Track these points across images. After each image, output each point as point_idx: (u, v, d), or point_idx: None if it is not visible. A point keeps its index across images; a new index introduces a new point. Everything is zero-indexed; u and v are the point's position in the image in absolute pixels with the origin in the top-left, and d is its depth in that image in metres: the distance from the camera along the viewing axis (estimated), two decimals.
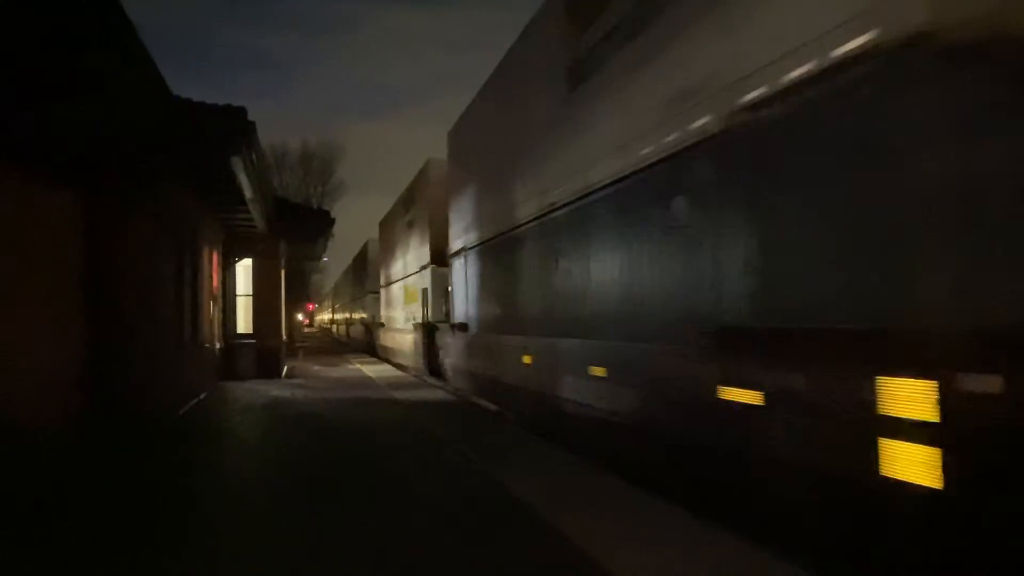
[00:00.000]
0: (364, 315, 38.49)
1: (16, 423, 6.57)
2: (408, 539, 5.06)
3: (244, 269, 18.73)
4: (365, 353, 32.82)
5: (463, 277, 14.53)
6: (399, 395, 14.22)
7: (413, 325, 21.18)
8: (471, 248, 13.80)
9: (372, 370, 21.56)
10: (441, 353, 17.35)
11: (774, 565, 4.27)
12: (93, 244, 9.00)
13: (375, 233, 34.46)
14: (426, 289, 19.43)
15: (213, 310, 15.75)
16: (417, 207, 21.11)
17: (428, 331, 18.93)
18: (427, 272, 19.19)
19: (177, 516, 5.79)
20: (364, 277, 37.37)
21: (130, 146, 8.46)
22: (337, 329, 59.87)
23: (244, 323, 18.77)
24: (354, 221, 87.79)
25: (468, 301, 14.15)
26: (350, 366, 23.70)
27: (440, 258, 17.71)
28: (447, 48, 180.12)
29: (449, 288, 16.37)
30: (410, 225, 22.32)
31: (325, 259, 41.83)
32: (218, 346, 16.74)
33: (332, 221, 20.44)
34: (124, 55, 5.91)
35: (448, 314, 16.82)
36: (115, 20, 5.47)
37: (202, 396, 13.62)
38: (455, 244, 15.29)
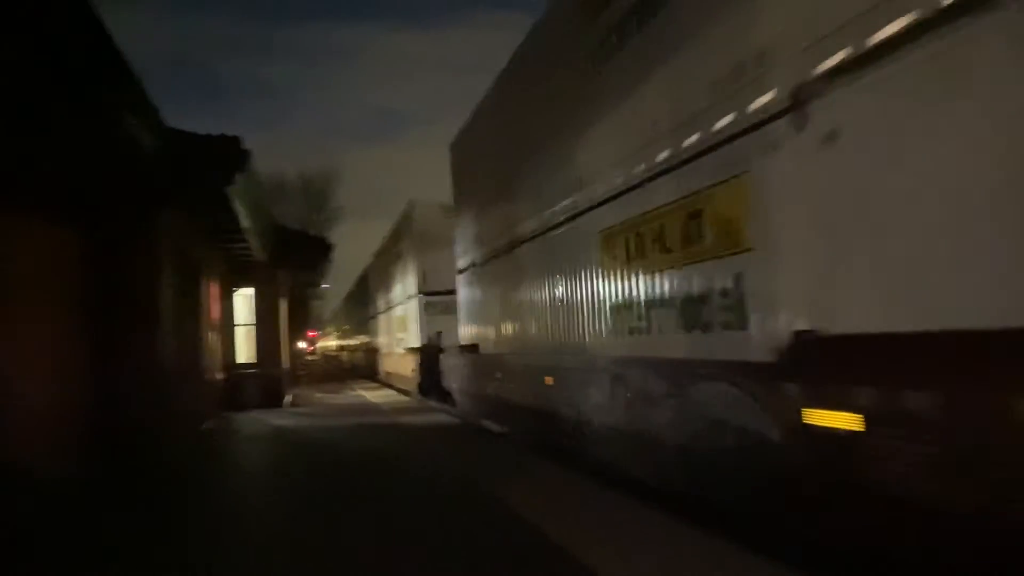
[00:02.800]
0: (402, 335, 22.64)
1: (19, 458, 6.48)
2: None
3: (244, 298, 18.66)
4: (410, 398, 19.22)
5: None
6: (403, 420, 14.08)
7: None
8: None
9: (375, 396, 21.42)
10: None
11: None
12: (92, 279, 8.96)
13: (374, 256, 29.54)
14: None
15: (214, 340, 15.66)
16: None
17: None
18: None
19: (174, 551, 5.67)
20: (399, 277, 23.40)
21: (125, 179, 8.44)
22: (350, 356, 46.56)
23: (246, 352, 18.66)
24: (355, 247, 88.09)
25: None
26: (352, 392, 23.56)
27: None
28: (448, 71, 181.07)
29: None
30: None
31: (326, 286, 41.57)
32: (220, 376, 16.64)
33: (331, 248, 20.43)
34: (116, 88, 5.90)
35: None
36: (106, 52, 5.45)
37: (204, 427, 13.51)
38: None
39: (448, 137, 14.95)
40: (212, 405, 15.35)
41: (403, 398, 19.93)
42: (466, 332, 13.87)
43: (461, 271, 14.13)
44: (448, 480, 7.85)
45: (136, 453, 8.87)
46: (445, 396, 16.65)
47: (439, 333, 17.89)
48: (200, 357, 13.36)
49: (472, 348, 13.36)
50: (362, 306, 36.10)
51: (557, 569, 4.57)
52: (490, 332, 12.32)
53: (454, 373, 15.56)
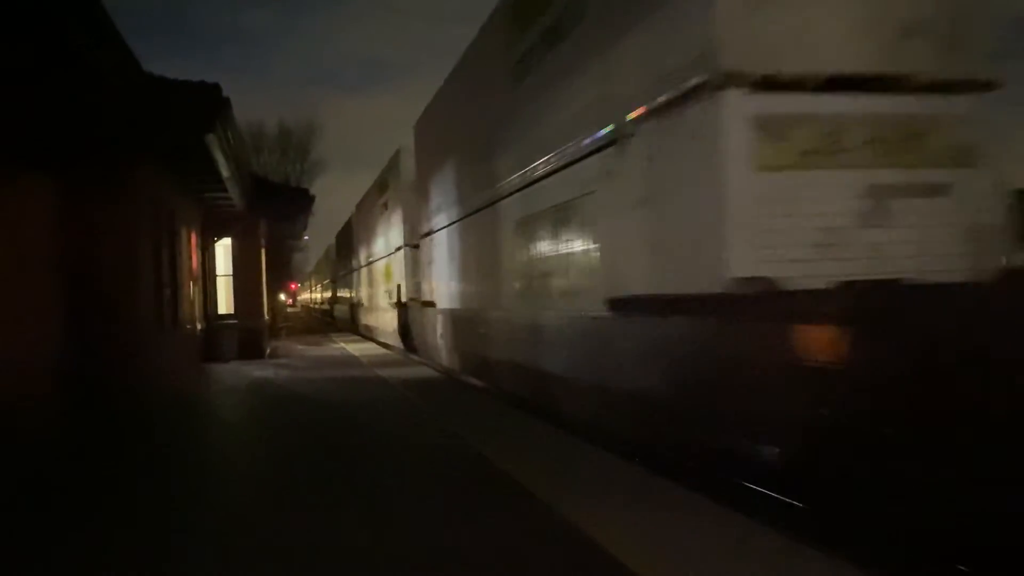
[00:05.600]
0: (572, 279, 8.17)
1: None
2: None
3: (224, 249, 18.49)
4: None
5: None
6: (384, 373, 14.15)
7: None
8: None
9: (355, 348, 21.44)
10: None
11: None
12: (68, 227, 8.82)
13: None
14: None
15: (193, 291, 15.56)
16: None
17: None
18: None
19: (154, 506, 5.70)
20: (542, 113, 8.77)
21: (102, 126, 8.26)
22: (351, 311, 32.99)
23: (225, 304, 18.57)
24: (337, 198, 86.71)
25: None
26: (333, 344, 23.57)
27: None
28: (434, 20, 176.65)
29: None
30: None
31: (306, 237, 41.11)
32: (199, 327, 16.58)
33: (312, 198, 20.26)
34: (90, 29, 5.72)
35: None
36: None
37: (184, 378, 13.51)
38: None
39: (429, 90, 14.48)
40: (191, 356, 15.32)
41: (381, 349, 19.98)
42: None
43: None
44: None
45: (109, 404, 8.85)
46: None
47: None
48: (178, 308, 13.28)
49: None
50: (360, 248, 28.20)
51: None
52: None
53: None
